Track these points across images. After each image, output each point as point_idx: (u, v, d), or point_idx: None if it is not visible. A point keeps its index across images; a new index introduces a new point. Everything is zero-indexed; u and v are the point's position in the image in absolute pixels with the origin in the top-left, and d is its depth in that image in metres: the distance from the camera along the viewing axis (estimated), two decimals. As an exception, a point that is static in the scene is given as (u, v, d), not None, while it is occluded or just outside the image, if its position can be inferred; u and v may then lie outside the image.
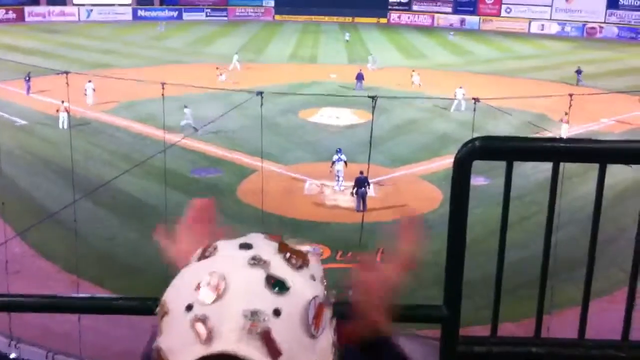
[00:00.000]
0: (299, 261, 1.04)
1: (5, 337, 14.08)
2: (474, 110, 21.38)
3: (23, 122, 30.21)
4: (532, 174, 20.39)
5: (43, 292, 2.23)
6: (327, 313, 1.04)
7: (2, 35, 58.01)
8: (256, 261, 1.00)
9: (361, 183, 21.19)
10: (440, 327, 1.89)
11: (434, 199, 21.99)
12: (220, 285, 0.97)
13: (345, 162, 23.43)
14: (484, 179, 17.96)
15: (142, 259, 17.02)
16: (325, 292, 1.05)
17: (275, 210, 20.40)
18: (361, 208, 20.71)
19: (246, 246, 1.04)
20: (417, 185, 24.02)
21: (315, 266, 1.07)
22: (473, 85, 37.45)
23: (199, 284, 0.98)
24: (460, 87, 34.66)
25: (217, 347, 0.94)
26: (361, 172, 20.96)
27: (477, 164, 1.75)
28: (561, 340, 1.99)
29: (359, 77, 40.26)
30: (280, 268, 1.01)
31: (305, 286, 1.01)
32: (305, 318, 0.98)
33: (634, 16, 74.08)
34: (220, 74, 40.06)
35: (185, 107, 29.48)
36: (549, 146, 1.88)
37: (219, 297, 0.96)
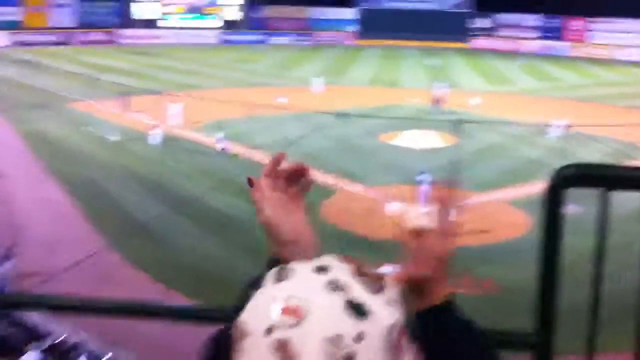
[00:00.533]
0: (376, 284, 1.02)
1: (100, 341, 14.63)
2: (563, 137, 20.91)
3: (116, 138, 31.50)
4: (624, 203, 19.75)
5: (134, 299, 2.37)
6: (407, 336, 1.03)
7: (95, 56, 60.95)
8: (334, 285, 0.99)
9: (448, 207, 20.96)
10: (531, 355, 1.85)
11: (520, 225, 21.53)
12: (300, 309, 0.96)
13: (431, 184, 23.31)
14: (576, 206, 17.51)
15: (227, 270, 17.39)
16: (404, 314, 1.04)
17: (356, 230, 20.47)
18: (448, 232, 20.43)
19: (322, 269, 1.03)
20: (503, 211, 23.58)
21: (392, 289, 1.05)
22: (558, 112, 36.64)
23: (278, 306, 0.98)
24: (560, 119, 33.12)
25: None
26: (449, 196, 20.72)
27: (568, 190, 1.72)
28: None
29: (437, 101, 40.06)
30: (358, 292, 0.99)
31: (385, 310, 1.00)
32: (387, 342, 0.97)
33: None
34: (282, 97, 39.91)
35: (219, 132, 30.08)
36: None
37: (300, 321, 0.95)
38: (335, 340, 0.94)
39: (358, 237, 20.37)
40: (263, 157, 22.90)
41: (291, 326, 0.95)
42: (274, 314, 0.97)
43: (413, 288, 1.34)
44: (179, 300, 15.95)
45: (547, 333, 1.81)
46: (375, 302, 0.99)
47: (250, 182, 1.47)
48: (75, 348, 13.63)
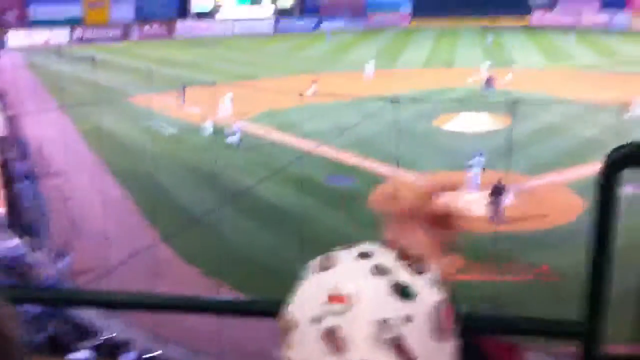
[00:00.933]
0: (419, 267, 1.05)
1: (152, 336, 15.04)
2: (622, 115, 20.18)
3: (172, 131, 32.14)
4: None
5: (185, 294, 2.41)
6: (452, 315, 1.05)
7: (153, 48, 62.15)
8: (379, 270, 1.01)
9: (498, 192, 20.59)
10: (580, 344, 1.82)
11: (576, 207, 20.96)
12: (346, 296, 0.98)
13: (483, 168, 22.97)
14: (633, 187, 16.89)
15: (280, 262, 17.57)
16: (447, 294, 1.06)
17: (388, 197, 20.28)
18: (496, 218, 20.09)
19: (365, 255, 1.05)
20: (558, 194, 22.99)
21: (434, 271, 1.07)
22: (621, 89, 35.34)
23: (325, 295, 1.00)
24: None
25: (351, 357, 0.95)
26: (499, 181, 20.38)
27: (626, 172, 1.66)
28: None
29: (489, 81, 39.28)
30: (402, 275, 1.01)
31: (430, 291, 1.02)
32: (435, 323, 0.99)
33: None
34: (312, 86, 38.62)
35: (235, 125, 29.99)
36: None
37: (347, 307, 0.97)
38: (383, 324, 0.96)
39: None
40: (311, 146, 22.94)
41: (338, 313, 0.97)
42: (321, 302, 0.99)
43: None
44: (231, 294, 16.24)
45: (596, 322, 1.77)
46: (419, 283, 1.02)
47: (390, 196, 1.38)
48: (125, 345, 14.03)
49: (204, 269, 17.88)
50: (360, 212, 22.05)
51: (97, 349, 13.02)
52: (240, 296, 16.33)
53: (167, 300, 2.37)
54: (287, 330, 1.03)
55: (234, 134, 29.63)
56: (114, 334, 14.30)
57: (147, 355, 13.89)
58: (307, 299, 1.02)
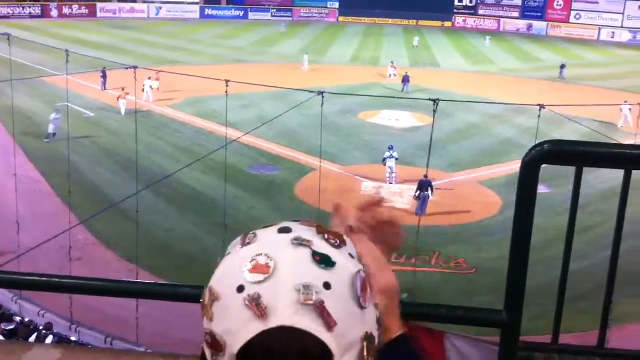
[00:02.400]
0: (337, 241, 1.07)
1: (67, 321, 14.58)
2: (538, 117, 20.96)
3: (91, 114, 31.18)
4: (596, 183, 19.89)
5: (104, 277, 2.34)
6: (369, 287, 1.07)
7: (74, 29, 60.05)
8: (299, 241, 1.03)
9: (424, 186, 21.02)
10: (500, 332, 1.88)
11: (493, 204, 21.67)
12: (269, 264, 1.00)
13: (397, 159, 23.51)
14: (545, 187, 17.61)
15: (200, 250, 17.37)
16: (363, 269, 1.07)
17: (331, 209, 20.45)
18: (420, 212, 20.52)
19: (286, 230, 1.07)
20: (476, 191, 23.71)
21: (351, 246, 1.10)
22: (538, 92, 36.73)
23: (247, 266, 1.01)
24: (625, 102, 32.48)
25: (275, 322, 0.97)
26: (425, 176, 20.80)
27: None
28: (626, 352, 1.94)
29: (405, 79, 40.16)
30: (322, 246, 1.04)
31: (348, 261, 1.05)
32: (354, 290, 1.02)
33: None
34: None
35: (56, 112, 28.39)
36: (621, 153, 1.81)
37: (269, 275, 0.99)
38: (305, 289, 0.98)
39: (330, 216, 20.40)
40: (236, 135, 22.75)
41: (261, 281, 0.99)
42: (243, 273, 1.01)
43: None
44: (149, 280, 15.93)
45: (515, 312, 1.82)
46: (338, 255, 1.04)
47: (337, 209, 1.40)
48: (43, 329, 13.55)
49: (123, 254, 17.47)
50: (283, 201, 22.10)
51: (11, 333, 12.52)
52: (161, 281, 16.10)
53: (87, 283, 2.30)
54: (210, 303, 1.04)
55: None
56: (29, 319, 13.78)
57: (64, 341, 13.46)
58: (229, 272, 1.04)
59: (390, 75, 43.43)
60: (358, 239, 1.24)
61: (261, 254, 1.02)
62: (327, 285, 0.99)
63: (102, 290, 2.31)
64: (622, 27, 74.85)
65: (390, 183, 23.75)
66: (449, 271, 17.74)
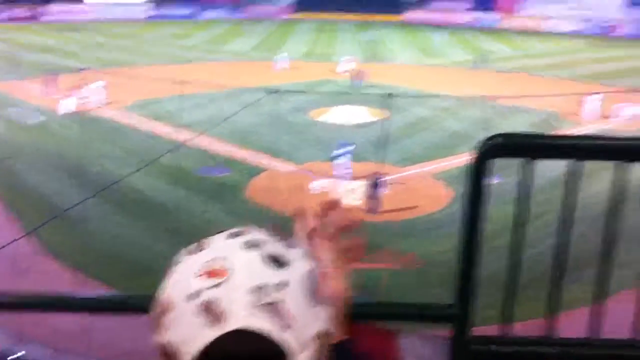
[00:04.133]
0: (290, 241, 1.08)
1: (13, 336, 14.17)
2: (488, 108, 21.22)
3: (36, 119, 30.44)
4: (544, 172, 20.18)
5: (51, 291, 2.23)
6: (324, 283, 1.08)
7: (18, 33, 58.65)
8: (251, 244, 1.03)
9: (376, 184, 21.05)
10: (451, 326, 1.88)
11: (445, 197, 21.83)
12: (221, 269, 0.99)
13: (350, 155, 23.54)
14: (497, 177, 17.78)
15: (150, 257, 17.07)
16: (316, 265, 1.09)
17: (284, 209, 20.33)
18: (373, 209, 20.54)
19: (236, 234, 1.07)
20: (428, 184, 23.86)
21: (304, 246, 1.12)
22: (488, 84, 37.21)
23: (198, 272, 1.00)
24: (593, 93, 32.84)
25: (230, 326, 0.96)
26: (376, 173, 20.81)
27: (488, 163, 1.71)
28: (573, 340, 1.98)
29: (358, 75, 40.31)
30: (274, 247, 1.04)
31: (301, 260, 1.06)
32: (309, 288, 1.02)
33: (654, 13, 73.18)
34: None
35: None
36: (571, 144, 1.86)
37: (222, 280, 0.98)
38: (260, 290, 0.98)
39: (284, 217, 20.28)
40: (187, 136, 22.49)
41: (215, 286, 0.98)
42: (195, 279, 1.00)
43: None
44: (99, 289, 15.60)
45: (466, 305, 1.84)
46: (291, 254, 1.05)
47: (297, 213, 1.40)
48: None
49: (72, 264, 17.07)
50: (236, 203, 21.87)
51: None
52: (111, 292, 15.76)
53: (33, 298, 2.21)
54: (161, 314, 1.02)
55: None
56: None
57: (11, 357, 13.08)
58: (180, 280, 1.02)
59: (343, 71, 43.47)
60: (316, 242, 1.28)
61: (213, 259, 1.01)
62: (281, 285, 0.99)
63: (46, 305, 2.23)
64: (567, 16, 76.35)
65: (344, 180, 23.73)
66: (400, 266, 17.79)
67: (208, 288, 0.98)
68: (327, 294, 1.08)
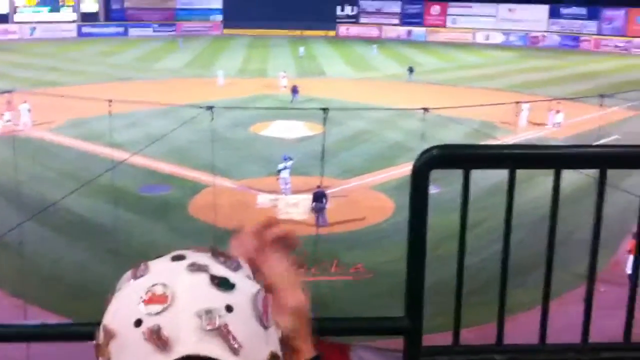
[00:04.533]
0: (233, 263, 1.05)
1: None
2: (423, 120, 21.61)
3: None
4: (481, 180, 20.68)
5: None
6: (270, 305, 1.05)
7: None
8: (195, 267, 1.00)
9: (319, 197, 21.08)
10: (403, 339, 1.87)
11: (386, 208, 22.07)
12: (165, 295, 0.96)
13: (289, 169, 23.59)
14: (434, 187, 18.08)
15: (91, 279, 16.59)
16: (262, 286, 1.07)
17: (228, 226, 20.11)
18: (320, 222, 20.56)
19: (179, 257, 1.03)
20: (369, 196, 24.10)
21: (247, 268, 1.08)
22: (421, 96, 37.93)
23: (142, 298, 0.96)
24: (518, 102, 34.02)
25: (178, 352, 0.92)
26: (318, 186, 20.83)
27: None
28: (523, 346, 1.99)
29: (294, 89, 40.53)
30: (219, 270, 1.01)
31: (247, 282, 1.03)
32: (256, 310, 0.99)
33: (575, 25, 76.34)
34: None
35: None
36: (505, 153, 1.89)
37: (167, 305, 0.95)
38: (207, 314, 0.94)
39: (229, 233, 20.02)
40: (123, 156, 22.02)
41: (160, 312, 0.94)
42: (139, 306, 0.96)
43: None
44: (40, 315, 15.06)
45: (416, 318, 1.84)
46: (237, 276, 1.02)
47: (234, 236, 1.33)
48: None
49: (10, 291, 16.43)
50: (177, 220, 21.54)
51: None
52: (52, 317, 15.21)
53: None
54: (105, 342, 0.98)
55: None
56: None
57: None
58: (123, 307, 0.99)
59: (283, 87, 43.43)
60: (265, 259, 1.23)
61: (156, 284, 0.97)
62: (229, 308, 0.96)
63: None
64: (495, 29, 78.83)
65: (286, 194, 23.71)
66: (348, 277, 17.87)
67: (153, 314, 0.95)
68: (281, 316, 1.07)
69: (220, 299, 0.97)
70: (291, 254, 1.31)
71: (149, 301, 0.96)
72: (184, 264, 1.01)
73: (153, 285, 0.97)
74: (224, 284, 0.99)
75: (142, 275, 1.01)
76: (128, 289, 1.00)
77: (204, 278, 0.99)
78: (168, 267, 1.02)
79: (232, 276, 1.01)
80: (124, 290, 1.01)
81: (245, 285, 1.02)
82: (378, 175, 25.99)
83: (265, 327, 1.00)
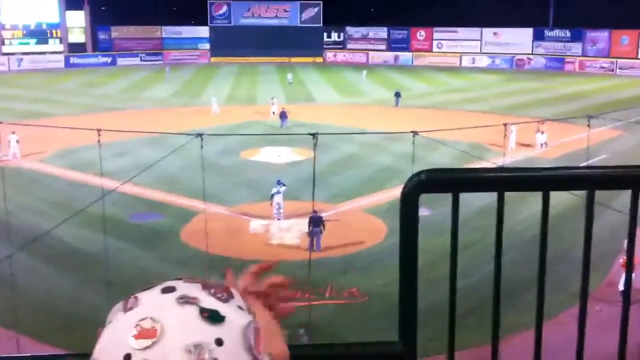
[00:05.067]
0: (224, 294, 1.04)
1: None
2: (413, 143, 21.70)
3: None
4: (471, 201, 20.75)
5: None
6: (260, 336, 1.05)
7: None
8: (184, 299, 1.00)
9: (315, 222, 21.04)
10: None
11: (379, 231, 22.09)
12: (155, 329, 0.95)
13: (282, 193, 23.63)
14: (425, 209, 18.15)
15: (84, 309, 16.45)
16: (254, 318, 1.06)
17: (221, 252, 20.07)
18: (314, 248, 20.48)
19: (169, 289, 1.03)
20: (361, 219, 24.11)
21: (239, 298, 1.07)
22: (410, 119, 38.16)
23: (132, 332, 0.96)
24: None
25: None
26: (314, 211, 20.80)
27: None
28: None
29: (283, 115, 40.68)
30: (209, 302, 1.01)
31: (238, 314, 1.02)
32: (247, 342, 0.99)
33: (559, 47, 77.30)
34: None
35: None
36: (494, 176, 1.89)
37: (156, 339, 0.94)
38: (196, 348, 0.94)
39: (222, 259, 19.99)
40: (114, 184, 21.96)
41: (149, 347, 0.94)
42: (128, 340, 0.95)
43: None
44: (31, 346, 14.91)
45: (411, 342, 1.82)
46: (227, 308, 1.01)
47: (227, 276, 1.34)
48: None
49: (1, 321, 16.26)
50: (169, 248, 21.46)
51: None
52: (42, 348, 15.06)
53: None
54: None
55: None
56: None
57: None
58: (113, 341, 0.98)
59: (273, 113, 43.50)
60: (252, 304, 1.20)
61: (146, 318, 0.97)
62: (218, 342, 0.96)
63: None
64: (480, 52, 79.66)
65: (278, 219, 23.70)
66: (343, 301, 17.82)
67: (142, 349, 0.94)
68: (270, 352, 1.06)
69: (209, 332, 0.96)
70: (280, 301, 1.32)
71: (138, 335, 0.95)
72: (173, 296, 1.01)
73: (142, 319, 0.97)
74: (213, 317, 0.98)
75: (132, 308, 1.01)
76: (118, 323, 1.00)
77: (193, 311, 0.98)
78: (158, 300, 1.01)
79: (222, 308, 1.01)
80: (114, 323, 1.01)
81: (236, 317, 1.01)
82: (369, 199, 26.03)
83: (256, 359, 1.00)
